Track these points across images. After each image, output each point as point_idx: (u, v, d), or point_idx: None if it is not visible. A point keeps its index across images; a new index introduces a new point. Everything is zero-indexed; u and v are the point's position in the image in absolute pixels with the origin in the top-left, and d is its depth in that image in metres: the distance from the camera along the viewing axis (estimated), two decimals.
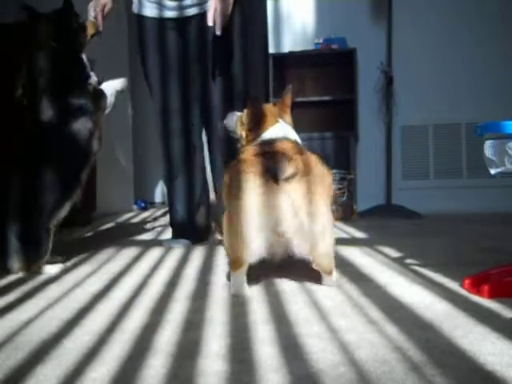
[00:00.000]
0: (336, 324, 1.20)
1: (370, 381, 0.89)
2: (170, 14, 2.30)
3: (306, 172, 1.44)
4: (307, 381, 0.91)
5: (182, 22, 2.31)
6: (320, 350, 1.04)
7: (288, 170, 1.39)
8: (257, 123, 1.70)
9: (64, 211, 1.94)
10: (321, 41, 3.89)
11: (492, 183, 3.41)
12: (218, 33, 2.14)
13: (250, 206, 1.42)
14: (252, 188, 1.42)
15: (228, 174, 1.54)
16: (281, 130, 1.70)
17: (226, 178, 1.55)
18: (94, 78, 2.06)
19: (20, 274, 1.84)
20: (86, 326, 1.25)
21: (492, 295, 1.36)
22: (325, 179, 1.52)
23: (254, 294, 1.50)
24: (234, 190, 1.46)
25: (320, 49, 3.88)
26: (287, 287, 1.57)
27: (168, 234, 2.59)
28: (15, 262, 1.82)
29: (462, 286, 1.49)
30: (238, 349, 1.07)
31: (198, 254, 2.18)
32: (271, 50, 4.09)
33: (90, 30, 2.14)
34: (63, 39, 1.99)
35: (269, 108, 1.74)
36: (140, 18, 2.35)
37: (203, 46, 2.32)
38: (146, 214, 4.18)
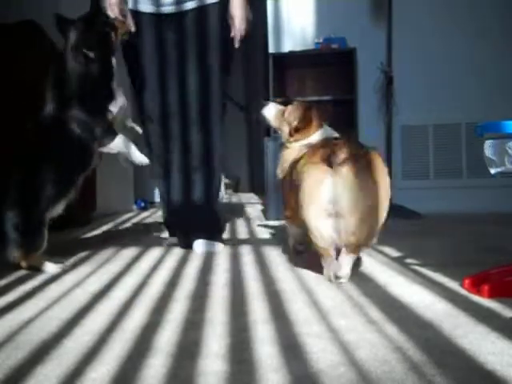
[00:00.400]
0: (336, 324, 1.20)
1: (370, 381, 0.89)
2: (166, 9, 2.24)
3: (359, 161, 1.60)
4: (307, 381, 0.91)
5: (179, 17, 2.25)
6: (320, 350, 1.04)
7: (339, 156, 1.58)
8: (306, 125, 2.02)
9: (59, 208, 1.97)
10: (321, 40, 3.89)
11: (492, 183, 3.41)
12: (237, 46, 2.27)
13: (314, 186, 1.61)
14: (313, 172, 1.62)
15: (296, 165, 1.76)
16: (327, 132, 2.03)
17: (297, 168, 1.73)
18: (119, 103, 2.00)
19: (23, 265, 1.87)
20: (86, 326, 1.26)
21: (492, 295, 1.36)
22: (380, 173, 1.64)
23: (254, 293, 1.50)
24: (302, 175, 1.66)
25: (320, 48, 3.88)
26: (287, 287, 1.57)
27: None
28: (14, 252, 1.85)
29: (461, 285, 1.49)
30: (237, 349, 1.07)
31: (197, 254, 2.18)
32: (271, 49, 4.09)
33: (121, 30, 2.05)
34: (94, 46, 1.93)
35: (316, 111, 2.06)
36: (135, 13, 2.26)
37: (202, 41, 2.26)
38: (145, 214, 4.18)
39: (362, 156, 1.63)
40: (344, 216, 1.56)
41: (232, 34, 2.26)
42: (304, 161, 1.72)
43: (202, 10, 2.21)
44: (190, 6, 2.23)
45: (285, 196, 2.03)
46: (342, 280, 1.60)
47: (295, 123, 2.04)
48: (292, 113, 2.09)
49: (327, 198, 1.57)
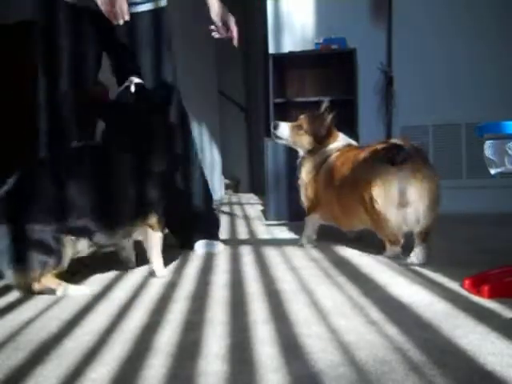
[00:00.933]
0: (336, 324, 1.20)
1: (370, 381, 0.89)
2: None
3: (418, 157, 1.88)
4: (307, 381, 0.91)
5: (131, 19, 2.03)
6: (320, 351, 1.04)
7: (401, 156, 1.83)
8: (330, 132, 2.30)
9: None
10: (321, 41, 3.88)
11: (492, 183, 3.40)
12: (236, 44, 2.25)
13: (388, 187, 1.85)
14: (383, 169, 1.86)
15: (363, 165, 1.97)
16: (344, 136, 2.36)
17: (363, 170, 1.95)
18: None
19: (36, 288, 1.60)
20: (86, 326, 1.26)
21: (492, 295, 1.36)
22: (433, 170, 1.91)
23: (255, 294, 1.50)
24: (373, 176, 1.88)
25: (320, 49, 3.88)
26: (287, 287, 1.57)
27: None
28: (27, 271, 1.61)
29: (462, 286, 1.49)
30: (238, 349, 1.07)
31: (197, 254, 2.18)
32: (271, 50, 4.09)
33: None
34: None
35: (332, 118, 2.31)
36: (85, 10, 2.03)
37: (156, 45, 2.18)
38: None
39: (418, 151, 1.90)
40: (413, 205, 1.84)
41: (220, 36, 2.26)
42: (364, 161, 1.98)
43: (154, 13, 2.15)
44: (143, 8, 2.15)
45: (312, 194, 2.28)
46: (416, 265, 1.87)
47: (323, 131, 2.29)
48: (314, 123, 2.31)
49: (398, 191, 1.83)
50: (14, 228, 1.59)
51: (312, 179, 2.30)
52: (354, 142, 2.39)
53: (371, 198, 1.89)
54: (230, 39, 2.27)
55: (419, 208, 1.85)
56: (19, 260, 1.58)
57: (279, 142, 2.45)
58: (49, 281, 1.60)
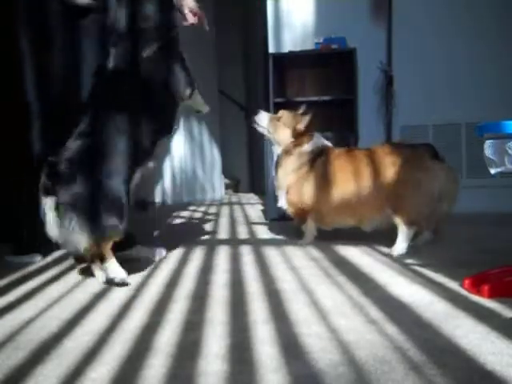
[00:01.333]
0: (336, 324, 1.20)
1: (369, 381, 0.89)
2: None
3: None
4: (307, 381, 0.91)
5: None
6: (320, 350, 1.04)
7: (440, 155, 2.12)
8: (306, 129, 2.36)
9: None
10: (321, 40, 3.88)
11: (492, 183, 3.40)
12: (207, 28, 2.19)
13: (427, 180, 2.06)
14: (427, 167, 2.08)
15: (398, 159, 2.11)
16: (319, 135, 2.43)
17: (398, 161, 2.10)
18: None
19: (88, 255, 1.61)
20: (86, 326, 1.26)
21: (492, 295, 1.36)
22: None
23: (255, 293, 1.50)
24: (412, 171, 2.07)
25: (320, 48, 3.88)
26: (287, 286, 1.57)
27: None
28: (83, 237, 1.57)
29: (461, 285, 1.49)
30: (238, 349, 1.07)
31: (198, 254, 2.18)
32: (271, 49, 4.09)
33: None
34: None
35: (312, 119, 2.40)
36: None
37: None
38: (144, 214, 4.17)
39: None
40: (447, 198, 2.12)
41: (188, 23, 2.18)
42: (406, 156, 2.11)
43: None
44: None
45: (307, 195, 2.27)
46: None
47: (300, 127, 2.34)
48: (293, 117, 2.38)
49: (443, 183, 2.08)
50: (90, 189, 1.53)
51: (300, 179, 2.30)
52: (329, 143, 2.43)
53: (416, 185, 2.05)
54: (200, 25, 2.19)
55: (450, 201, 2.16)
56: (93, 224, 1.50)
57: (259, 129, 2.51)
58: (105, 248, 1.55)
